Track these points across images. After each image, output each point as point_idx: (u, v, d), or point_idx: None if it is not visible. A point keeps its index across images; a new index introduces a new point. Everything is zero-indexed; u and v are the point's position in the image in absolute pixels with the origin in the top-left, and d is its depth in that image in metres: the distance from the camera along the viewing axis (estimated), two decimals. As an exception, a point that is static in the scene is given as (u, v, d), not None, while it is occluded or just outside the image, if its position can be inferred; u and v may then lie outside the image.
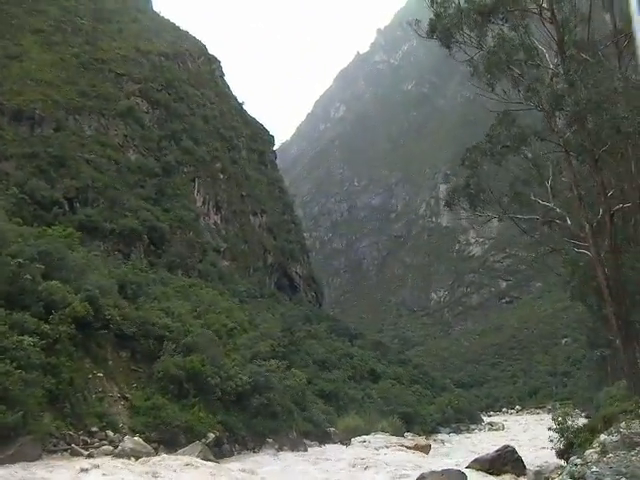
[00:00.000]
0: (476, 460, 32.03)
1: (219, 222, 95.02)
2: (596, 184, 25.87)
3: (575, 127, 27.10)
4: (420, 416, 71.01)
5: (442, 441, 62.05)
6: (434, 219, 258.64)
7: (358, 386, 75.00)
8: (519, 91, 28.36)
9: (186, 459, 28.71)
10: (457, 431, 75.38)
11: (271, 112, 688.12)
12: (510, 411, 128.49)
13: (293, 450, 46.40)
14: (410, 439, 48.94)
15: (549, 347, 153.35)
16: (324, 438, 54.72)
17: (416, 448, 45.33)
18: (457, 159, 36.99)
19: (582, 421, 28.31)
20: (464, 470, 31.24)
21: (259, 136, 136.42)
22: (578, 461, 17.72)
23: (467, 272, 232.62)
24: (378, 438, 49.96)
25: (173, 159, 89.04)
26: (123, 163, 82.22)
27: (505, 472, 29.93)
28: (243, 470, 30.94)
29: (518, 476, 27.75)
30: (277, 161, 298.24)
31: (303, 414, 55.46)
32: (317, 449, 48.64)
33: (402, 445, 45.94)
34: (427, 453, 45.17)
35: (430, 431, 71.44)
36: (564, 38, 28.00)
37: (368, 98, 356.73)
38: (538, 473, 24.98)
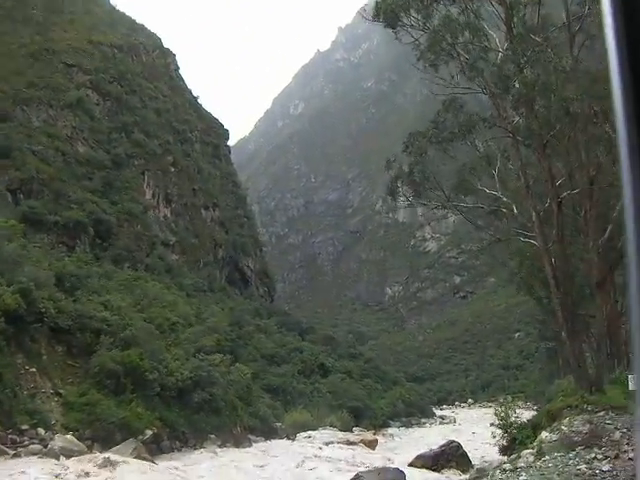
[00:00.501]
0: (419, 457, 31.07)
1: (169, 215, 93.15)
2: (544, 171, 24.71)
3: (523, 110, 26.08)
4: (370, 410, 70.28)
5: (391, 435, 61.29)
6: (390, 215, 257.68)
7: (307, 381, 74.00)
8: (465, 73, 27.14)
9: (116, 458, 27.16)
10: (408, 425, 74.74)
11: (230, 109, 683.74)
12: (462, 405, 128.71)
13: (238, 446, 45.37)
14: (357, 434, 47.99)
15: (502, 341, 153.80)
16: (270, 433, 53.79)
17: (362, 443, 44.39)
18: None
19: (531, 414, 27.33)
20: (407, 468, 30.40)
21: (213, 130, 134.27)
22: (507, 466, 16.66)
23: (422, 267, 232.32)
24: (324, 433, 49.02)
25: (123, 152, 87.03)
26: (71, 155, 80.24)
27: (449, 468, 28.98)
28: (176, 468, 29.61)
29: (463, 472, 26.59)
30: (234, 157, 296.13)
31: (249, 409, 54.49)
32: (262, 445, 47.65)
33: (348, 441, 45.05)
34: (374, 448, 44.26)
35: (380, 425, 70.80)
36: (512, 19, 26.85)
37: (327, 95, 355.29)
38: (482, 470, 23.89)
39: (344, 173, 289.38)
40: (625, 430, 17.48)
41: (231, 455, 39.24)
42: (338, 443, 44.40)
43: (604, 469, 14.77)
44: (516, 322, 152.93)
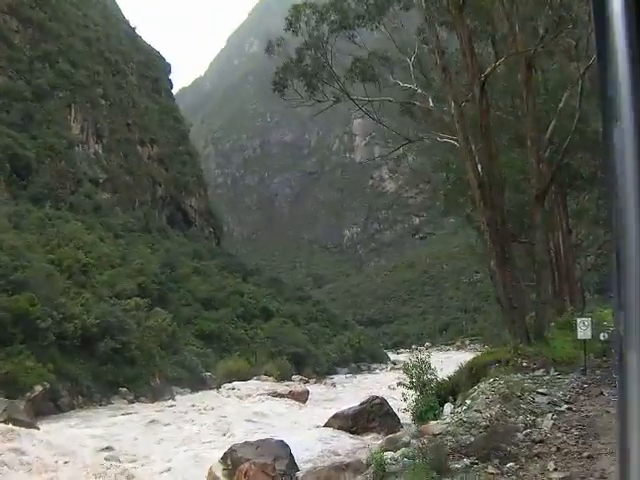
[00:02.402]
0: (336, 416, 26.38)
1: (100, 152, 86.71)
2: (463, 42, 19.08)
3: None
4: (313, 357, 66.25)
5: (333, 384, 56.94)
6: (347, 155, 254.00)
7: (247, 326, 69.46)
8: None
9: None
10: (356, 372, 70.56)
11: (185, 47, 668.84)
12: (420, 348, 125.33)
13: (157, 399, 40.97)
14: (286, 385, 43.31)
15: (461, 283, 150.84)
16: (198, 384, 49.89)
17: (291, 396, 39.82)
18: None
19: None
20: (322, 429, 25.86)
21: (153, 63, 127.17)
22: (390, 455, 11.75)
23: (380, 208, 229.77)
24: (251, 384, 44.41)
25: (46, 83, 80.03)
26: (-15, 86, 73.38)
27: (370, 430, 24.23)
28: (47, 432, 24.68)
29: (386, 434, 21.32)
30: (190, 97, 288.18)
31: (173, 358, 50.11)
32: (187, 397, 43.23)
33: (275, 392, 40.46)
34: (304, 402, 39.60)
35: (325, 372, 66.96)
36: None
37: (283, 32, 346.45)
38: (392, 441, 18.42)
39: (300, 113, 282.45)
40: (564, 407, 13.23)
41: (133, 411, 34.56)
42: (263, 395, 39.84)
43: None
44: (475, 263, 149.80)
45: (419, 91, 23.35)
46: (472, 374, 18.30)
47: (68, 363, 37.39)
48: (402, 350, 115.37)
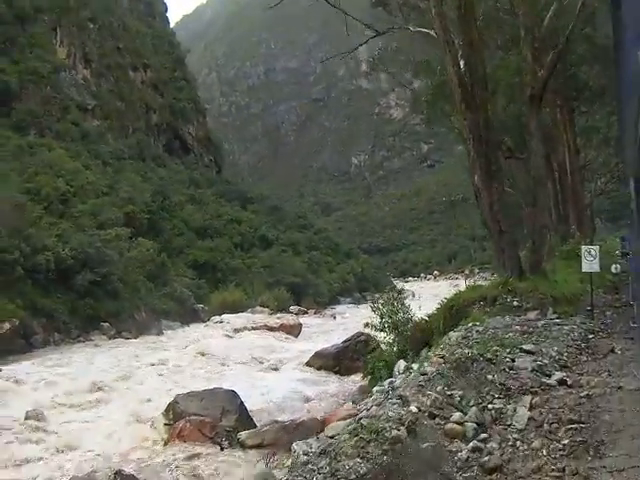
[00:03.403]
0: (318, 354, 23.86)
1: (89, 77, 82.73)
2: None
3: None
4: (313, 286, 63.71)
5: (333, 316, 54.63)
6: (354, 81, 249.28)
7: (245, 255, 66.99)
8: None
9: None
10: (360, 301, 67.85)
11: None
12: (428, 277, 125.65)
13: (140, 334, 38.57)
14: (277, 318, 40.63)
15: (469, 210, 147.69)
16: (190, 317, 47.82)
17: (282, 329, 37.26)
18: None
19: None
20: (303, 368, 23.28)
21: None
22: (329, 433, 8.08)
23: (388, 135, 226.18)
24: (241, 317, 41.81)
25: (29, 5, 75.68)
26: (-38, 9, 69.25)
27: (355, 371, 21.52)
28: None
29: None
30: (192, 24, 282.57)
31: (163, 290, 47.74)
32: (174, 332, 40.92)
33: (266, 325, 37.85)
34: (296, 335, 37.03)
35: (327, 303, 64.87)
36: None
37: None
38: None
39: (305, 39, 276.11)
40: (555, 379, 8.74)
41: (108, 347, 32.12)
42: (253, 329, 37.31)
43: None
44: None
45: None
46: (452, 314, 15.00)
47: (43, 298, 34.85)
48: (410, 279, 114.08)
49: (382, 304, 18.43)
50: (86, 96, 79.52)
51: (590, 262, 13.27)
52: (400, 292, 19.69)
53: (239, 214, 77.22)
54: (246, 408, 14.48)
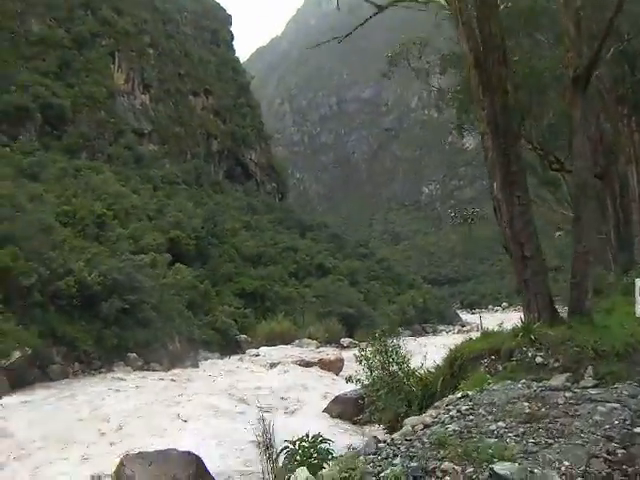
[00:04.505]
0: (338, 399, 20.53)
1: (147, 102, 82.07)
2: None
3: None
4: (368, 317, 60.47)
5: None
6: (426, 111, 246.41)
7: (299, 284, 64.41)
8: None
9: None
10: (419, 333, 64.61)
11: (263, 7, 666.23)
12: (496, 308, 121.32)
13: (173, 367, 36.20)
14: (318, 352, 37.85)
15: (541, 241, 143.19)
16: (232, 348, 45.63)
17: (321, 364, 34.23)
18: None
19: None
20: (319, 416, 20.20)
21: (212, 14, 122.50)
22: None
23: (460, 165, 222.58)
24: (278, 350, 39.07)
25: (87, 30, 75.48)
26: (20, 34, 69.16)
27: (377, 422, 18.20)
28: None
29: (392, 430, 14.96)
30: (267, 56, 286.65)
31: (205, 319, 45.57)
32: (212, 363, 38.57)
33: (303, 360, 34.89)
34: (337, 372, 33.79)
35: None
36: None
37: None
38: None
39: (377, 69, 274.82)
40: None
41: (129, 380, 29.64)
42: (289, 363, 34.42)
43: None
44: (558, 221, 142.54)
45: None
46: (453, 371, 11.37)
47: (65, 325, 32.73)
48: (477, 310, 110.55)
49: (372, 353, 15.10)
50: (143, 121, 78.86)
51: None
52: (397, 336, 15.98)
53: (296, 242, 75.19)
54: (209, 473, 11.69)
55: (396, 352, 14.56)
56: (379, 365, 14.47)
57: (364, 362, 14.83)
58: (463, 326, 75.03)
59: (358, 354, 15.40)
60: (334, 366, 34.71)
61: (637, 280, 10.88)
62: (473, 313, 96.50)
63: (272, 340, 45.80)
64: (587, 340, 10.18)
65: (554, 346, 10.29)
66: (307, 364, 34.20)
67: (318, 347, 43.57)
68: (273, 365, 34.48)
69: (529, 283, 12.92)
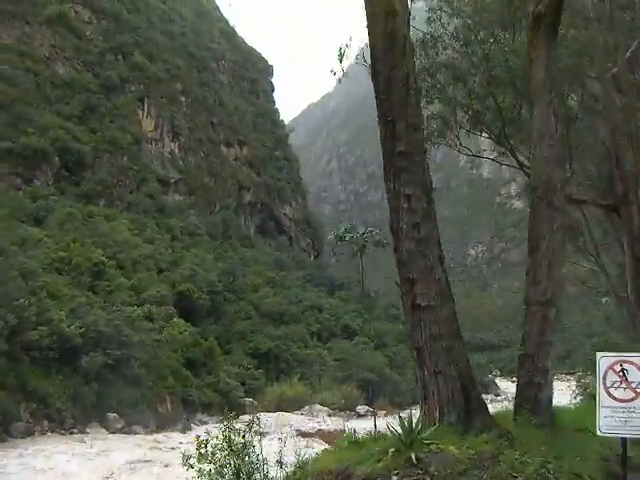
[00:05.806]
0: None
1: (176, 150, 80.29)
2: None
3: None
4: (391, 383, 56.56)
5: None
6: (475, 171, 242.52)
7: (322, 345, 60.92)
8: None
9: None
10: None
11: (317, 64, 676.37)
12: None
13: (161, 430, 33.32)
14: (317, 422, 34.48)
15: (587, 306, 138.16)
16: (235, 412, 41.36)
17: (319, 435, 30.65)
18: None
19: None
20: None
21: (251, 64, 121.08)
22: None
23: (508, 226, 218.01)
24: (276, 417, 35.59)
25: (116, 75, 74.30)
26: (46, 77, 68.32)
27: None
28: None
29: None
30: (317, 113, 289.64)
31: (207, 379, 42.48)
32: (205, 429, 35.17)
33: (298, 430, 31.49)
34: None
35: (409, 403, 57.26)
36: None
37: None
38: None
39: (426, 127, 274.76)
40: None
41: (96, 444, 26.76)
42: (284, 433, 30.79)
43: None
44: (603, 285, 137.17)
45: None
46: None
47: (38, 379, 30.01)
48: (516, 378, 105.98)
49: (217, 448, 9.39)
50: (170, 169, 77.15)
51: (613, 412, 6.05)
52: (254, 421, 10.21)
53: (322, 300, 71.80)
54: None
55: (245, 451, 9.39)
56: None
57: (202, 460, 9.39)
58: (497, 395, 70.53)
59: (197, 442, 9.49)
60: (335, 438, 31.14)
61: (598, 354, 7.12)
62: (513, 381, 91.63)
63: (282, 405, 42.77)
64: (525, 463, 5.87)
65: (453, 475, 5.88)
66: (304, 435, 30.80)
67: (330, 415, 39.97)
68: (263, 434, 31.03)
69: (423, 354, 8.46)
